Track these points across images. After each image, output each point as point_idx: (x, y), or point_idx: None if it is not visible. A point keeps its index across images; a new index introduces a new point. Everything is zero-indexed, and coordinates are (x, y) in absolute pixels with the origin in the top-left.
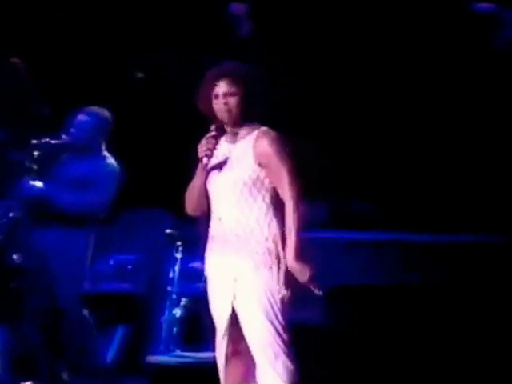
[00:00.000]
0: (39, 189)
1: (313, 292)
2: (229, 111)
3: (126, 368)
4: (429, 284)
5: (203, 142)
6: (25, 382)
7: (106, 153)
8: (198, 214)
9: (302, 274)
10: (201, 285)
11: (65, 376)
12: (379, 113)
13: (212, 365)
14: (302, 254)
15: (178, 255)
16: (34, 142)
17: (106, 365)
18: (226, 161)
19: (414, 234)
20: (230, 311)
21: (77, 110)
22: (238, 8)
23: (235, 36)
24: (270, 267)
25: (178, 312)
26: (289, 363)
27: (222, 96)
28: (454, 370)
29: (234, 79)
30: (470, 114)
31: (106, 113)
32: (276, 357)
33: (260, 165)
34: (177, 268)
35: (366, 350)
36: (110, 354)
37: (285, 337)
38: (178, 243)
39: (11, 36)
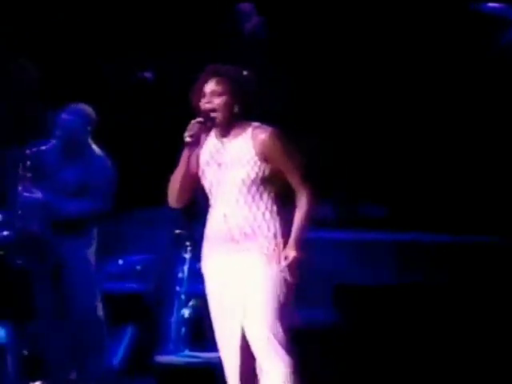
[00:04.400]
0: (39, 199)
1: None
2: (213, 110)
3: (135, 368)
4: (436, 284)
5: (189, 127)
6: (34, 381)
7: (94, 148)
8: (180, 205)
9: (291, 266)
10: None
11: (73, 376)
12: (387, 113)
13: (220, 365)
14: (301, 248)
15: (187, 255)
16: (28, 151)
17: (114, 364)
18: (223, 158)
19: (422, 235)
20: (242, 307)
21: (58, 111)
22: (245, 7)
23: (241, 35)
24: (280, 262)
25: (186, 312)
26: (288, 365)
27: (209, 95)
28: (457, 371)
29: (221, 79)
30: (474, 115)
31: (88, 108)
32: (276, 354)
33: (264, 159)
34: (185, 268)
35: (372, 350)
36: (119, 354)
37: (284, 335)
38: (187, 243)
39: (21, 37)
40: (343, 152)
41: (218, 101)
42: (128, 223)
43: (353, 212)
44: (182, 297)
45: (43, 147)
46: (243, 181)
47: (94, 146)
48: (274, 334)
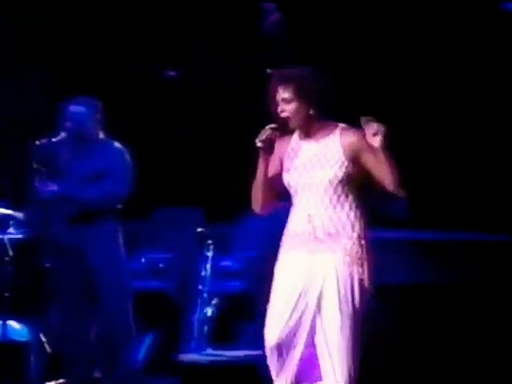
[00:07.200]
0: (55, 191)
1: None
2: (288, 117)
3: (158, 366)
4: (462, 283)
5: (261, 132)
6: (57, 380)
7: (107, 139)
8: (266, 211)
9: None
10: (232, 283)
11: (97, 374)
12: (403, 110)
13: (243, 363)
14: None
15: (209, 254)
16: (37, 143)
17: (137, 362)
18: (309, 159)
19: (446, 233)
20: (315, 307)
21: (66, 104)
22: (268, 6)
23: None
24: (362, 263)
25: (209, 311)
26: (353, 369)
27: (280, 103)
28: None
29: (288, 85)
30: (496, 115)
31: (95, 101)
32: (342, 363)
33: (351, 160)
34: (208, 266)
35: (405, 349)
36: (142, 352)
37: (357, 337)
38: (209, 242)
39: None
40: None
41: (289, 107)
42: (151, 222)
43: (373, 210)
44: (205, 295)
45: (54, 139)
46: (330, 181)
47: (105, 137)
48: (346, 339)
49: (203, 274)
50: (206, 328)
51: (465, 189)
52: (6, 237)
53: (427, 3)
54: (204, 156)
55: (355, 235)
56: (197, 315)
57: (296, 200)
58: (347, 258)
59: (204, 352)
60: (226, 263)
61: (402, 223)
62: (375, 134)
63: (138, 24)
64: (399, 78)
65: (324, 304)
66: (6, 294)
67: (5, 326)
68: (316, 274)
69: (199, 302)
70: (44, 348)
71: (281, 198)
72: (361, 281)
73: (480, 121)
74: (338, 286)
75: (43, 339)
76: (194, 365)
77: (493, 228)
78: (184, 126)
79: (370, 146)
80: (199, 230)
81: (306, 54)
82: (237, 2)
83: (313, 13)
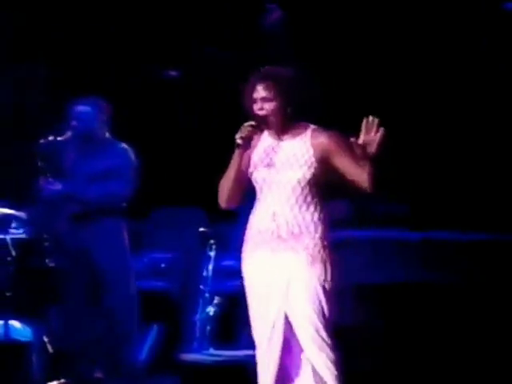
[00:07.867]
0: (59, 190)
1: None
2: (267, 116)
3: (159, 366)
4: (457, 283)
5: (240, 129)
6: (59, 379)
7: (112, 139)
8: (231, 205)
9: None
10: (234, 283)
11: (99, 374)
12: (404, 109)
13: (245, 363)
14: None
15: (212, 253)
16: (42, 141)
17: (139, 362)
18: (279, 158)
19: (446, 233)
20: (283, 307)
21: (73, 103)
22: (270, 6)
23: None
24: (325, 262)
25: (211, 310)
26: (332, 355)
27: (260, 101)
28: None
29: (270, 84)
30: (495, 115)
31: (102, 101)
32: (320, 350)
33: (321, 161)
34: (210, 266)
35: (394, 349)
36: (144, 352)
37: (329, 330)
38: (211, 241)
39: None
40: None
41: (269, 106)
42: (153, 222)
43: (369, 210)
44: (207, 295)
45: (59, 138)
46: (299, 181)
47: (111, 138)
48: (317, 331)
49: (205, 273)
50: (208, 328)
51: (464, 189)
52: (9, 237)
53: (428, 3)
54: (204, 156)
55: (317, 236)
56: (199, 315)
57: (261, 197)
58: (310, 258)
59: (206, 352)
60: (228, 262)
61: (403, 223)
62: (372, 139)
63: (138, 24)
64: (399, 78)
65: (291, 305)
66: (9, 294)
67: (7, 325)
68: (280, 275)
69: (201, 301)
70: (46, 348)
71: (246, 194)
72: (324, 281)
73: (480, 121)
74: (304, 286)
75: (45, 339)
76: (196, 364)
77: (493, 228)
78: (184, 126)
79: (351, 148)
80: (201, 229)
81: (306, 53)
82: (237, 2)
83: (313, 12)
